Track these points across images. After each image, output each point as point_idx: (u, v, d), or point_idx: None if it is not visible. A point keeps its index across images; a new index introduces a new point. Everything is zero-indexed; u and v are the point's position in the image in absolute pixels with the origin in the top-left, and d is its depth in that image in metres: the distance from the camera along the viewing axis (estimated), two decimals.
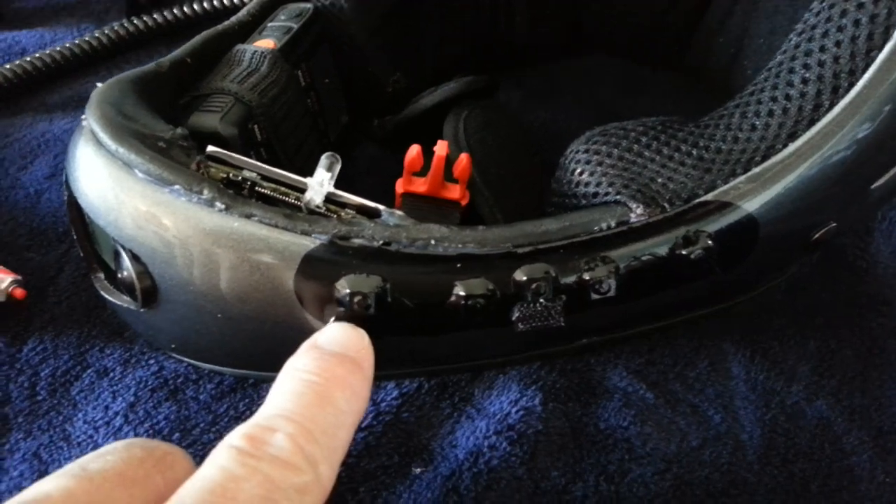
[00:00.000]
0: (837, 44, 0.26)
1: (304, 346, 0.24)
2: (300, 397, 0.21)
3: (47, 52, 0.47)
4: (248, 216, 0.25)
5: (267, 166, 0.27)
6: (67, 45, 0.48)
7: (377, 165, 0.41)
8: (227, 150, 0.27)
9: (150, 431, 0.29)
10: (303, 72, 0.35)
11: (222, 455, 0.19)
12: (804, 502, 0.28)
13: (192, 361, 0.30)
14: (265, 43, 0.34)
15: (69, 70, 0.48)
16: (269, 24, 0.36)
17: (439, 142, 0.33)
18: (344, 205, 0.27)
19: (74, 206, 0.27)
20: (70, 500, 0.19)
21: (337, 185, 0.27)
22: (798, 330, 0.34)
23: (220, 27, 0.35)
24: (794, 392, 0.31)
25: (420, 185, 0.34)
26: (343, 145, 0.40)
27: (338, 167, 0.27)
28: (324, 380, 0.22)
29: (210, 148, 0.27)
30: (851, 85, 0.26)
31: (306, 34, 0.36)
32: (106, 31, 0.49)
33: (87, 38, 0.48)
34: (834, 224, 0.29)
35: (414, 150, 0.33)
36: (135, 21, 0.50)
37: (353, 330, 0.24)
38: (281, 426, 0.20)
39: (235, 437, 0.20)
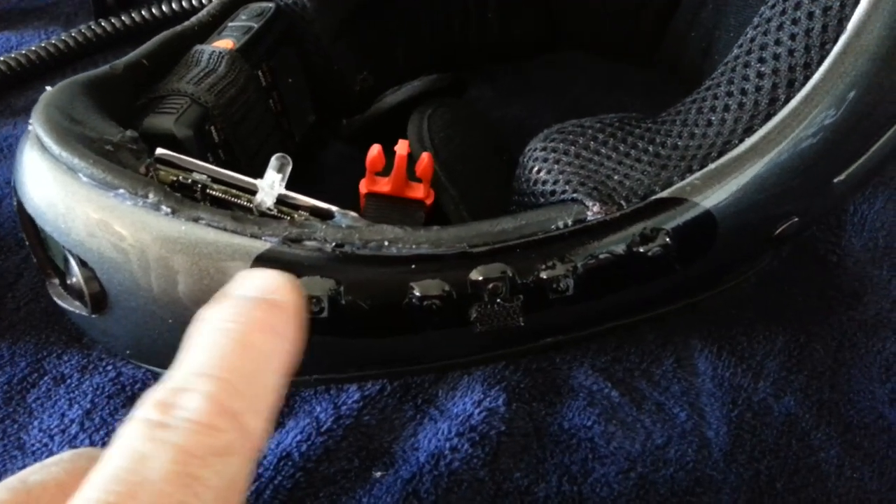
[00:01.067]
0: (792, 37, 0.25)
1: (218, 296, 0.21)
2: (215, 348, 0.19)
3: (13, 54, 0.46)
4: (196, 220, 0.24)
5: (217, 168, 0.26)
6: (34, 47, 0.47)
7: (345, 165, 0.41)
8: (183, 152, 0.27)
9: (106, 439, 0.28)
10: (263, 72, 0.35)
11: (129, 431, 0.17)
12: (770, 500, 0.28)
13: (149, 367, 0.30)
14: (224, 43, 0.33)
15: (36, 73, 0.47)
16: (230, 24, 0.35)
17: (400, 141, 0.33)
18: (296, 206, 0.26)
19: (24, 212, 0.27)
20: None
21: (303, 186, 0.27)
22: (767, 325, 0.33)
23: (178, 28, 0.34)
24: (761, 388, 0.31)
25: (384, 185, 0.34)
26: (310, 145, 0.40)
27: (289, 168, 0.26)
28: (240, 325, 0.20)
29: (159, 150, 0.26)
30: (807, 79, 0.25)
31: (268, 34, 0.35)
32: (73, 34, 0.48)
33: (54, 41, 0.48)
34: (796, 219, 0.28)
35: (374, 150, 0.32)
36: (103, 23, 0.49)
37: (266, 271, 0.22)
38: (194, 385, 0.18)
39: (145, 406, 0.18)
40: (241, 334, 0.19)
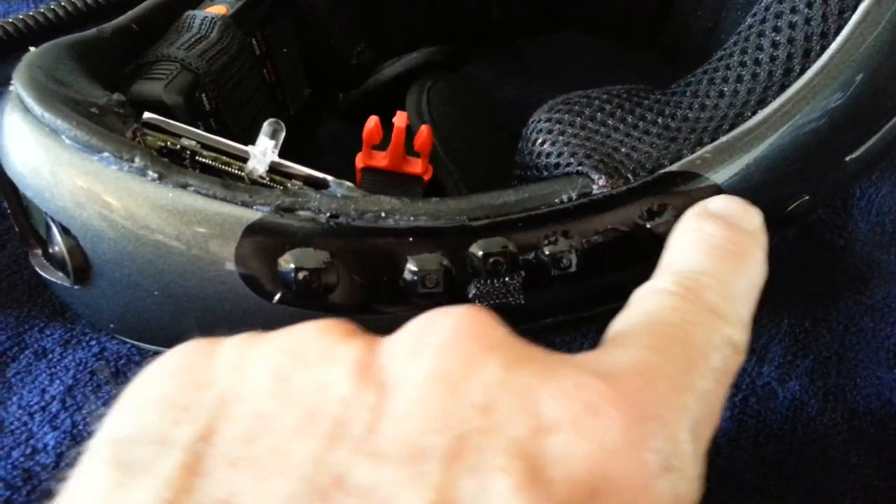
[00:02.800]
0: (809, 4, 0.24)
1: (702, 212, 0.22)
2: (720, 261, 0.20)
3: (0, 22, 0.45)
4: (184, 186, 0.23)
5: (207, 134, 0.25)
6: (21, 15, 0.46)
7: (341, 140, 0.40)
8: (172, 119, 0.26)
9: (89, 418, 0.27)
10: (257, 40, 0.34)
11: (662, 297, 0.19)
12: (775, 486, 0.27)
13: (134, 342, 0.29)
14: (217, 9, 0.32)
15: (24, 42, 0.46)
16: None
17: (399, 113, 0.32)
18: (289, 175, 0.25)
19: (5, 177, 0.26)
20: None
21: (299, 160, 0.26)
22: (772, 308, 0.32)
23: None
24: (765, 373, 0.30)
25: (381, 160, 0.33)
26: (306, 119, 0.39)
27: (282, 135, 0.25)
28: (739, 250, 0.21)
29: (147, 115, 0.25)
30: (824, 48, 0.24)
31: (262, 1, 0.34)
32: (63, 3, 0.47)
33: (42, 10, 0.46)
34: (807, 197, 0.27)
35: (371, 122, 0.31)
36: None
37: (746, 204, 0.23)
38: (710, 284, 0.19)
39: (665, 282, 0.19)
40: (740, 259, 0.21)
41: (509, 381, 0.16)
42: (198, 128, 0.29)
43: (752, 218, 0.22)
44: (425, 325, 0.18)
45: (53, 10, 0.46)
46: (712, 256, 0.21)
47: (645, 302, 0.19)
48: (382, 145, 0.32)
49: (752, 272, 0.21)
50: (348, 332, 0.19)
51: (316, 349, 0.18)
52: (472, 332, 0.17)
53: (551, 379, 0.17)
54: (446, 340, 0.17)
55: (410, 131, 0.32)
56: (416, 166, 0.33)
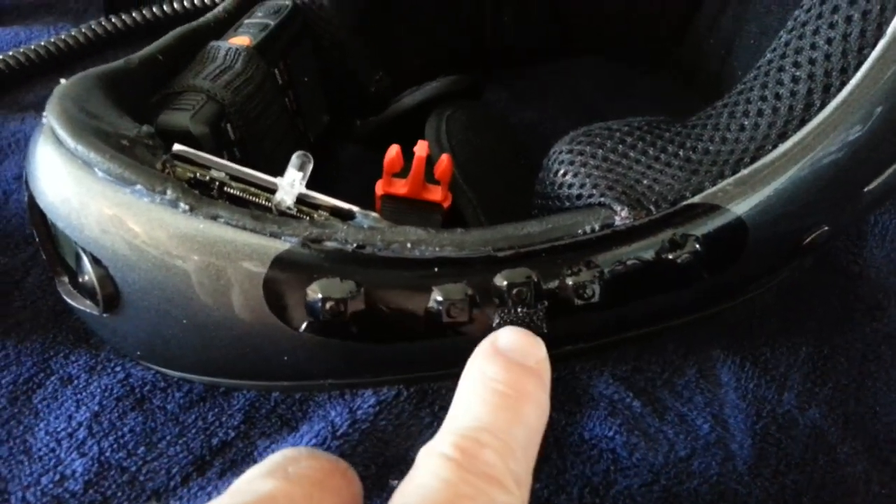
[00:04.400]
0: (829, 41, 0.25)
1: (487, 351, 0.23)
2: (498, 411, 0.21)
3: (21, 49, 0.45)
4: (214, 217, 0.24)
5: (236, 166, 0.25)
6: (43, 42, 0.46)
7: (359, 167, 0.40)
8: (199, 149, 0.26)
9: (115, 445, 0.27)
10: (280, 70, 0.34)
11: (439, 465, 0.19)
12: None
13: (159, 369, 0.29)
14: (240, 40, 0.33)
15: (45, 69, 0.46)
16: (246, 21, 0.35)
17: (419, 142, 0.32)
18: (316, 206, 0.26)
19: (35, 208, 0.26)
20: (290, 503, 0.18)
21: (317, 187, 0.26)
22: (790, 336, 0.33)
23: (194, 24, 0.34)
24: (785, 400, 0.30)
25: (400, 187, 0.33)
26: (324, 146, 0.39)
27: (310, 167, 0.26)
28: (517, 394, 0.21)
29: (176, 146, 0.26)
30: (843, 84, 0.25)
31: (284, 31, 0.35)
32: (83, 30, 0.48)
33: (63, 37, 0.47)
34: (826, 228, 0.28)
35: (393, 151, 0.32)
36: (113, 19, 0.48)
37: (532, 338, 0.24)
38: (488, 441, 0.20)
39: (445, 446, 0.20)
40: (518, 403, 0.21)
41: None
42: (223, 157, 0.29)
43: (535, 351, 0.23)
44: None
45: (74, 36, 0.47)
46: (491, 405, 0.21)
47: (422, 474, 0.19)
48: (402, 173, 0.33)
49: (530, 415, 0.21)
50: None
51: None
52: None
53: None
54: None
55: (430, 159, 0.33)
56: (436, 194, 0.33)
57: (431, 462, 0.19)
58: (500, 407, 0.21)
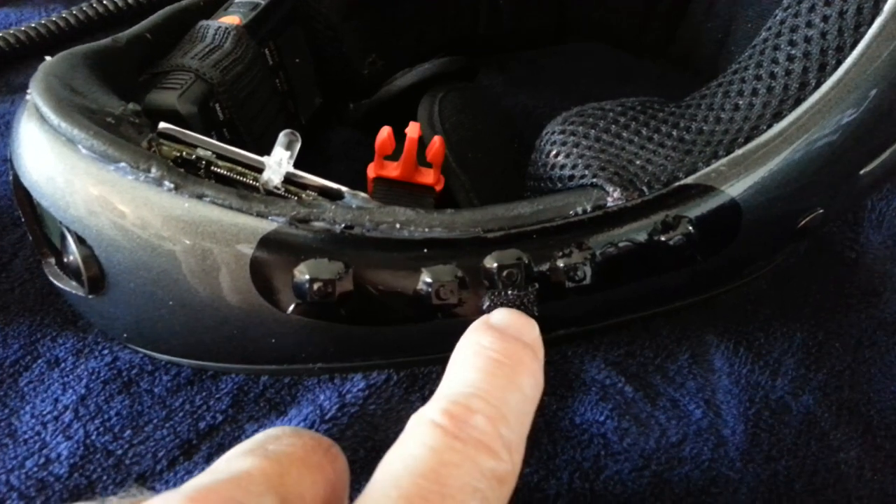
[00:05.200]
0: (825, 18, 0.24)
1: (481, 325, 0.23)
2: (492, 377, 0.21)
3: (12, 31, 0.45)
4: (200, 196, 0.23)
5: (222, 144, 0.25)
6: (34, 24, 0.46)
7: (352, 150, 0.40)
8: (187, 129, 0.26)
9: (101, 428, 0.27)
10: (270, 50, 0.34)
11: (426, 433, 0.19)
12: (788, 502, 0.27)
13: (146, 352, 0.29)
14: (230, 19, 0.32)
15: (35, 51, 0.46)
16: (236, 1, 0.34)
17: (411, 123, 0.32)
18: (304, 186, 0.25)
19: (20, 187, 0.26)
20: (267, 480, 0.18)
21: (309, 170, 0.26)
22: (784, 322, 0.32)
23: (183, 3, 0.33)
24: (779, 386, 0.30)
25: (392, 170, 0.33)
26: (316, 128, 0.39)
27: (297, 146, 0.25)
28: (512, 362, 0.21)
29: (162, 125, 0.25)
30: (839, 62, 0.24)
31: (275, 11, 0.34)
32: (75, 12, 0.47)
33: (55, 18, 0.47)
34: (821, 210, 0.27)
35: (384, 132, 0.31)
36: (105, 1, 0.48)
37: (525, 318, 0.23)
38: (479, 407, 0.19)
39: (434, 412, 0.19)
40: (512, 372, 0.21)
41: None
42: (211, 137, 0.29)
43: (530, 329, 0.23)
44: None
45: (65, 18, 0.46)
46: (485, 372, 0.21)
47: (411, 439, 0.19)
48: (394, 156, 0.32)
49: (525, 385, 0.21)
50: None
51: None
52: None
53: None
54: None
55: (422, 142, 0.32)
56: (428, 177, 0.33)
57: (419, 429, 0.19)
58: (493, 373, 0.21)
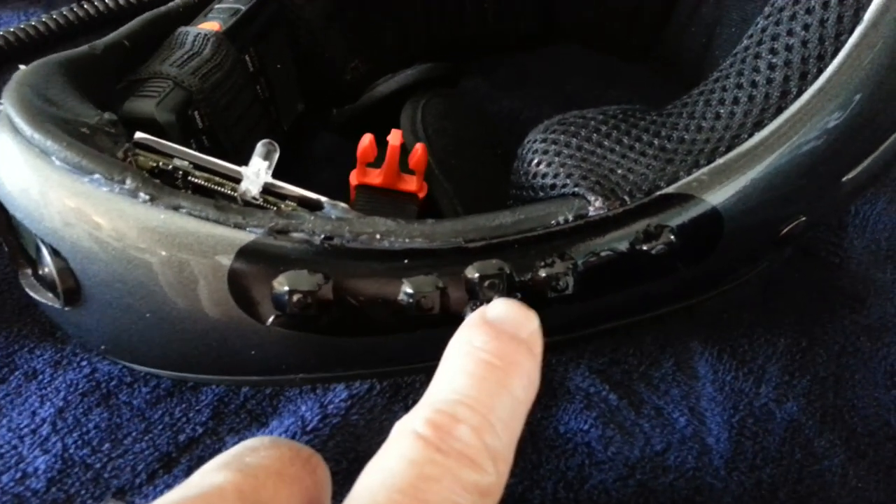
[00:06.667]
0: (806, 27, 0.24)
1: (476, 320, 0.22)
2: (481, 382, 0.20)
3: None
4: (176, 208, 0.23)
5: (199, 154, 0.25)
6: (13, 29, 0.45)
7: (335, 156, 0.40)
8: (165, 138, 0.26)
9: (79, 441, 0.27)
10: (251, 56, 0.33)
11: (407, 445, 0.18)
12: None
13: (125, 363, 0.28)
14: (210, 25, 0.32)
15: (14, 56, 0.45)
16: (216, 6, 0.34)
17: (393, 131, 0.31)
18: (283, 196, 0.25)
19: None
20: (240, 496, 0.17)
21: (291, 178, 0.25)
22: (768, 328, 0.32)
23: (162, 9, 0.33)
24: (763, 393, 0.30)
25: (375, 177, 0.33)
26: (298, 135, 0.38)
27: (275, 155, 0.25)
28: (504, 364, 0.20)
29: (138, 134, 0.25)
30: (820, 71, 0.24)
31: (256, 17, 0.34)
32: (55, 16, 0.47)
33: (34, 23, 0.46)
34: (804, 218, 0.27)
35: (366, 140, 0.31)
36: (85, 6, 0.47)
37: (524, 309, 0.22)
38: (465, 416, 0.19)
39: (418, 422, 0.19)
40: (503, 374, 0.20)
41: None
42: (190, 146, 0.28)
43: (527, 323, 0.22)
44: None
45: (45, 22, 0.46)
46: (474, 377, 0.20)
47: (392, 450, 0.19)
48: (377, 163, 0.32)
49: (517, 387, 0.20)
50: None
51: None
52: None
53: None
54: None
55: (405, 149, 0.32)
56: (411, 184, 0.33)
57: (401, 441, 0.19)
58: (483, 378, 0.20)
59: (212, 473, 0.18)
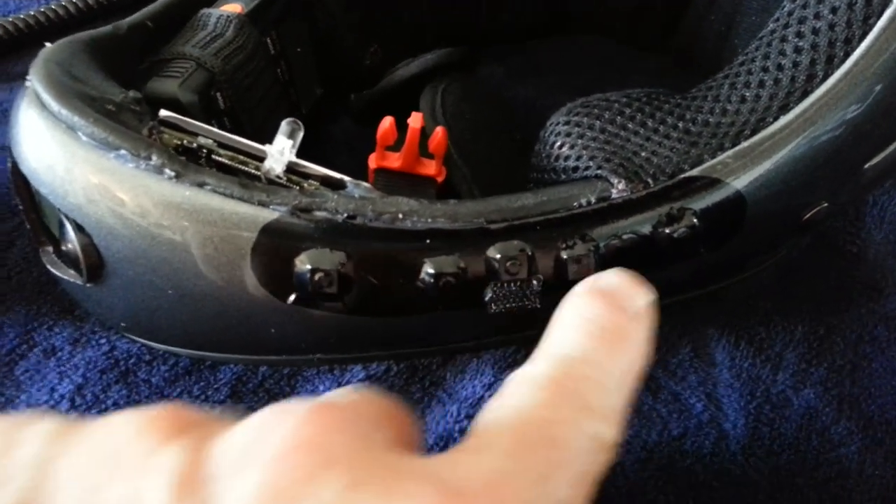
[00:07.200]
0: (833, 10, 0.24)
1: (590, 289, 0.22)
2: (599, 346, 0.20)
3: (10, 18, 0.44)
4: (201, 185, 0.23)
5: (224, 133, 0.25)
6: (33, 12, 0.45)
7: (353, 140, 0.40)
8: (187, 117, 0.26)
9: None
10: (272, 39, 0.33)
11: (530, 392, 0.19)
12: (789, 496, 0.27)
13: (144, 341, 0.28)
14: (232, 7, 0.32)
15: (35, 39, 0.45)
16: None
17: (414, 114, 0.31)
18: (307, 175, 0.25)
19: (18, 174, 0.26)
20: (378, 409, 0.19)
21: (310, 160, 0.26)
22: (786, 316, 0.32)
23: None
24: (780, 380, 0.30)
25: (394, 161, 0.33)
26: (317, 118, 0.38)
27: (300, 134, 0.25)
28: (620, 334, 0.21)
29: (163, 112, 0.25)
30: (847, 54, 0.24)
31: (277, 0, 0.34)
32: (75, 0, 0.47)
33: (53, 6, 0.46)
34: (826, 204, 0.27)
35: (387, 123, 0.31)
36: None
37: (636, 282, 0.22)
38: (584, 373, 0.19)
39: (539, 372, 0.19)
40: (620, 345, 0.20)
41: (349, 502, 0.15)
42: (212, 126, 0.29)
43: (640, 297, 0.22)
44: (260, 429, 0.16)
45: (64, 6, 0.46)
46: (592, 340, 0.20)
47: (516, 393, 0.19)
48: (396, 146, 0.32)
49: (630, 357, 0.20)
50: (172, 433, 0.16)
51: (133, 454, 0.16)
52: (312, 442, 0.16)
53: (395, 499, 0.15)
54: (281, 451, 0.16)
55: (424, 133, 0.32)
56: (430, 168, 0.33)
57: (525, 386, 0.19)
58: (600, 342, 0.20)
59: (349, 393, 0.19)
